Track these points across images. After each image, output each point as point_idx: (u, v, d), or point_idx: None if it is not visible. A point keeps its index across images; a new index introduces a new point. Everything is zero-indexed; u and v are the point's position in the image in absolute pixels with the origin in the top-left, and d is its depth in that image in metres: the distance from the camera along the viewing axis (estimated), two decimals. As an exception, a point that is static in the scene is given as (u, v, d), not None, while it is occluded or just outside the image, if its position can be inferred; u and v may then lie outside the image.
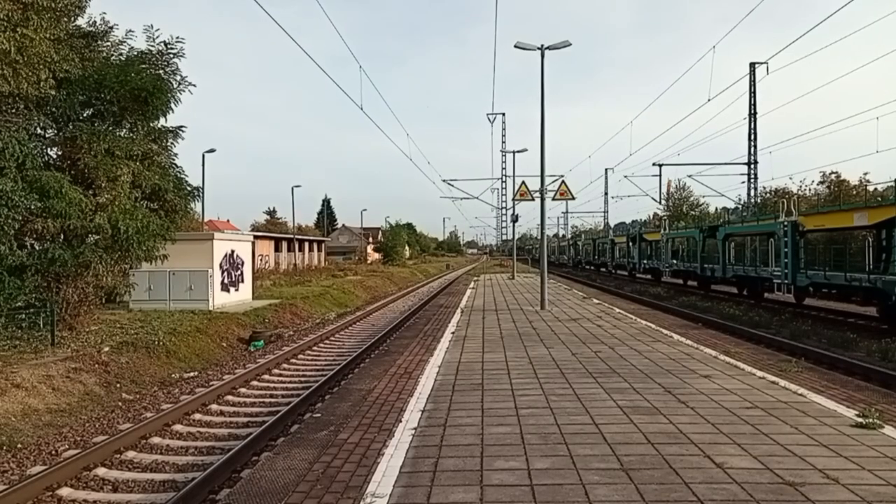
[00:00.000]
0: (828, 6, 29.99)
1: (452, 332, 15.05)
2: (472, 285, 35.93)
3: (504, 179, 54.60)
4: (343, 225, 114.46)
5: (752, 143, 45.49)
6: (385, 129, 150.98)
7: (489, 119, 54.31)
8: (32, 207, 14.19)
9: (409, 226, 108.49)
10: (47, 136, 17.20)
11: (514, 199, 29.30)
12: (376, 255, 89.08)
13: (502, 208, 60.03)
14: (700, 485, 5.12)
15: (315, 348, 19.26)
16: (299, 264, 62.79)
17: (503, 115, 55.33)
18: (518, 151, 39.90)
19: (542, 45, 20.17)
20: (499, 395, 8.47)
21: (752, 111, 45.02)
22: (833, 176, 49.69)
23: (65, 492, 8.07)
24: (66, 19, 16.14)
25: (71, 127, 16.73)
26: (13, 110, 15.12)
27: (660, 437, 6.42)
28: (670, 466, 5.56)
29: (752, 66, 44.31)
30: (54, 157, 17.28)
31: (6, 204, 13.59)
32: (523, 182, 26.47)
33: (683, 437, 6.44)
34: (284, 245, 64.77)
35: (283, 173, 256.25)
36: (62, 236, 15.74)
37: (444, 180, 48.19)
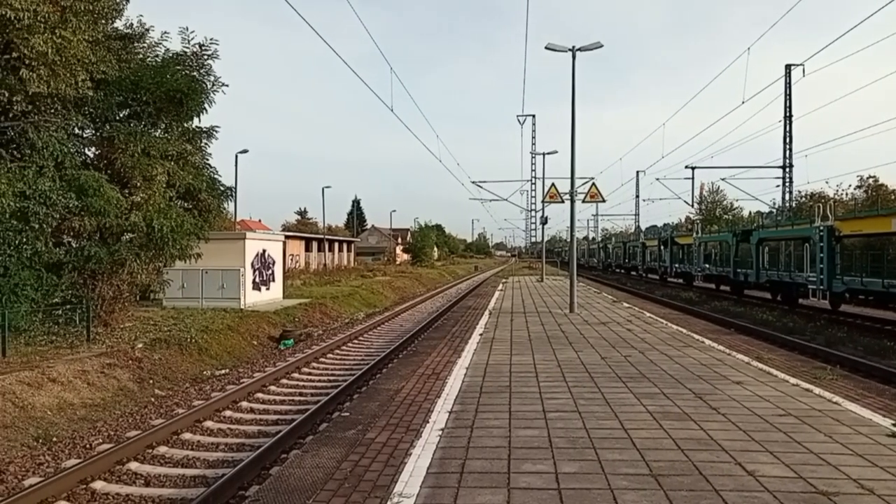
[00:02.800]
0: (866, 7, 29.39)
1: (480, 334, 15.03)
2: (500, 287, 35.85)
3: (534, 181, 54.42)
4: (372, 226, 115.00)
5: (788, 147, 44.76)
6: (415, 130, 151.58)
7: (519, 121, 54.14)
8: (70, 206, 14.49)
9: (438, 227, 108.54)
10: (85, 135, 17.58)
11: (543, 201, 29.19)
12: (405, 256, 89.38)
13: (531, 210, 59.81)
14: (731, 492, 5.04)
15: (344, 348, 19.37)
16: (329, 264, 63.24)
17: (533, 116, 55.12)
18: (548, 153, 39.73)
19: (574, 47, 20.05)
20: (526, 397, 8.44)
21: (788, 114, 44.29)
22: (871, 180, 48.78)
23: (98, 485, 8.22)
24: (103, 22, 16.47)
25: (108, 127, 17.06)
26: (52, 110, 15.46)
27: (690, 444, 6.34)
28: (700, 473, 5.49)
29: (788, 67, 43.61)
30: (91, 156, 17.64)
31: (44, 202, 13.90)
32: (553, 184, 26.40)
33: (714, 443, 6.35)
34: (315, 245, 65.30)
35: (314, 174, 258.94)
36: (98, 234, 16.05)
37: (473, 182, 48.18)
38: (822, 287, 24.38)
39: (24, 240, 13.93)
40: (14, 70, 13.88)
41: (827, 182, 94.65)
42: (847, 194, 48.85)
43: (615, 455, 5.99)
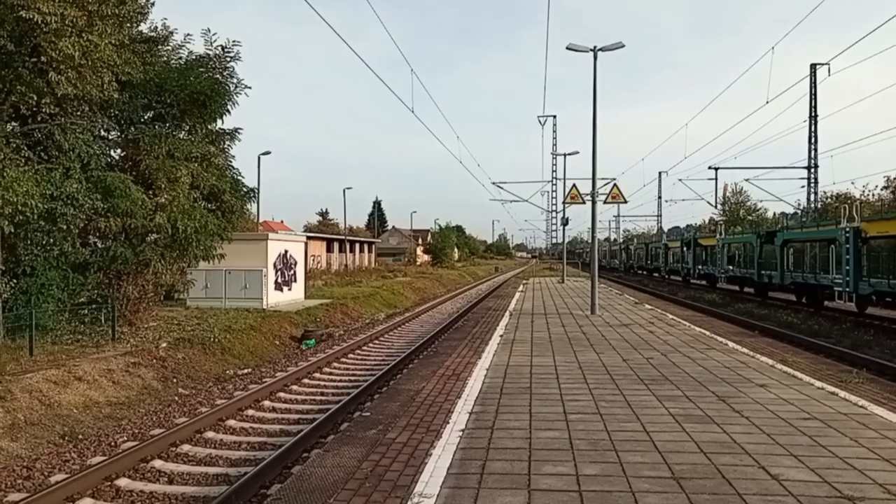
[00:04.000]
0: (893, 4, 28.90)
1: (500, 335, 15.00)
2: (520, 288, 35.77)
3: (555, 182, 54.31)
4: (393, 226, 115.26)
5: (813, 147, 44.20)
6: (435, 131, 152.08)
7: (540, 121, 54.24)
8: (97, 207, 14.70)
9: (459, 228, 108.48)
10: (110, 137, 17.82)
11: (564, 202, 29.08)
12: (425, 257, 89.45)
13: (552, 211, 59.66)
14: (754, 496, 4.99)
15: (365, 348, 19.44)
16: (350, 265, 63.50)
17: (554, 117, 55.20)
18: (569, 154, 39.56)
19: (595, 47, 19.95)
20: (547, 399, 8.41)
21: (813, 114, 43.73)
22: (898, 180, 47.90)
23: (123, 482, 8.32)
24: (128, 25, 16.69)
25: (133, 129, 17.28)
26: (78, 112, 15.70)
27: (713, 447, 6.28)
28: (723, 477, 5.44)
29: (813, 67, 43.09)
30: (117, 158, 17.87)
31: (71, 204, 14.12)
32: (574, 185, 26.32)
33: (737, 447, 6.29)
34: (336, 246, 65.57)
35: (336, 175, 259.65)
36: (123, 235, 16.26)
37: (493, 183, 48.05)
38: (848, 289, 24.02)
39: (52, 240, 14.17)
40: (42, 73, 14.12)
41: (853, 183, 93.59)
42: (874, 195, 48.13)
43: (637, 458, 5.95)
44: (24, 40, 14.11)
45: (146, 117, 18.04)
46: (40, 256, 14.10)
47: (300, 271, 28.01)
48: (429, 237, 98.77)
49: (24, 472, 8.60)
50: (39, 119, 14.67)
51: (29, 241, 13.88)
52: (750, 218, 67.23)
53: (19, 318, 13.76)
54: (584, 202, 25.20)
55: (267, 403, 12.57)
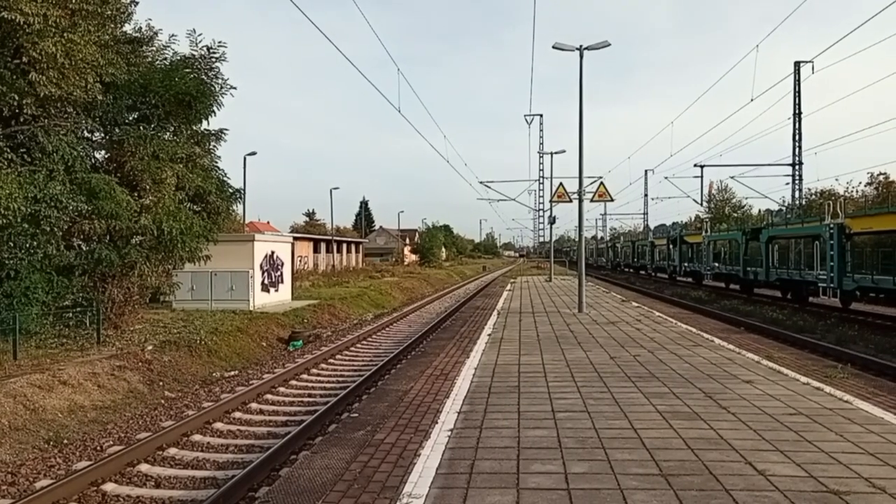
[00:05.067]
0: (876, 3, 29.22)
1: (489, 335, 15.01)
2: (508, 287, 35.82)
3: (542, 181, 54.46)
4: (380, 227, 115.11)
5: (797, 144, 44.51)
6: (422, 130, 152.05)
7: (527, 120, 54.31)
8: (81, 209, 14.57)
9: (446, 227, 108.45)
10: (94, 139, 17.66)
11: (551, 201, 29.15)
12: (413, 257, 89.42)
13: (540, 210, 59.82)
14: (741, 492, 5.02)
15: (353, 349, 19.39)
16: (337, 265, 63.36)
17: (541, 116, 55.39)
18: (556, 153, 39.57)
19: (581, 46, 20.02)
20: (535, 397, 8.43)
21: (797, 111, 44.04)
22: (881, 177, 48.56)
23: (109, 487, 8.25)
24: (112, 25, 16.56)
25: (117, 130, 17.13)
26: (62, 114, 15.55)
27: (700, 443, 6.31)
28: (710, 473, 5.47)
29: (797, 64, 43.40)
30: (101, 159, 17.72)
31: (55, 206, 13.99)
32: (561, 184, 26.40)
33: (724, 443, 6.33)
34: (323, 246, 65.40)
35: (323, 175, 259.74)
36: (108, 237, 16.13)
37: (480, 182, 48.08)
38: (832, 285, 24.24)
39: (35, 243, 14.03)
40: (24, 74, 13.99)
41: (837, 179, 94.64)
42: (857, 192, 48.71)
43: (625, 455, 5.97)
44: (6, 41, 13.98)
45: (131, 118, 17.88)
46: (24, 259, 13.96)
47: (287, 272, 27.92)
48: (416, 237, 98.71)
49: (9, 478, 8.52)
50: (22, 121, 14.52)
51: (12, 244, 13.74)
52: (735, 215, 67.74)
53: (3, 322, 13.62)
54: (570, 201, 25.28)
55: (254, 405, 12.52)
